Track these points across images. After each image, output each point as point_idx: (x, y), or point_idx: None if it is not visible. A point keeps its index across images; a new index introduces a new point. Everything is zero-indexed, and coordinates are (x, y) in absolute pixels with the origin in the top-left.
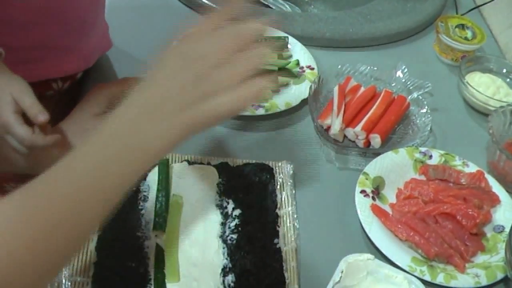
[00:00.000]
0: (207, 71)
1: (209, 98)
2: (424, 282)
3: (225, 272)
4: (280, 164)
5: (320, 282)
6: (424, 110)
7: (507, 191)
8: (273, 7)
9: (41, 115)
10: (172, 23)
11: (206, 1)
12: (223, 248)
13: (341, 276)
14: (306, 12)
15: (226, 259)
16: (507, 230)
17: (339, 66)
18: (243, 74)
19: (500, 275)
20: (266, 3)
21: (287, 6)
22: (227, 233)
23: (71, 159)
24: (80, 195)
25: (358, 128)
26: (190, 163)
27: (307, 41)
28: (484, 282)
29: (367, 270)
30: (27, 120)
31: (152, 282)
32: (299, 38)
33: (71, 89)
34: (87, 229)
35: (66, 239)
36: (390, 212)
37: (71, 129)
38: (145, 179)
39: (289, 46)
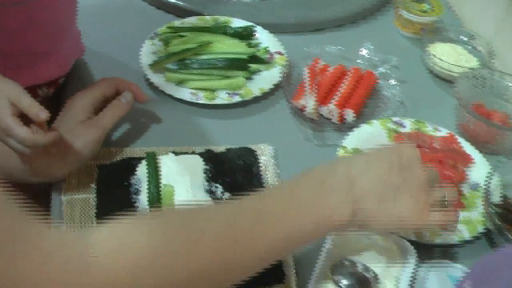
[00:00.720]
0: (406, 184)
1: (393, 204)
2: (410, 242)
3: None
4: (261, 146)
5: (313, 253)
6: (392, 82)
7: (479, 150)
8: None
9: (42, 112)
10: (139, 23)
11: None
12: None
13: (331, 244)
14: (267, 1)
15: None
16: (482, 185)
17: (307, 49)
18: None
19: (480, 228)
20: None
21: None
22: None
23: (235, 205)
24: (236, 244)
25: (332, 105)
26: (176, 154)
27: (273, 28)
28: (467, 236)
29: (356, 236)
30: (24, 122)
31: None
32: (265, 26)
33: (56, 95)
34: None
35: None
36: None
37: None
38: (135, 173)
39: (256, 34)
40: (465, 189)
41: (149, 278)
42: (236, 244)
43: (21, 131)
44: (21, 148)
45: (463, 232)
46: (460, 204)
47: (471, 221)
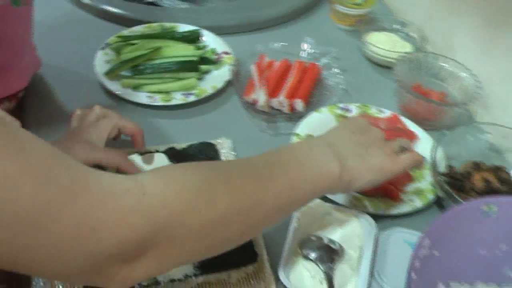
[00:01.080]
0: (371, 140)
1: (369, 158)
2: (369, 214)
3: None
4: (220, 140)
5: (280, 232)
6: (334, 72)
7: (421, 127)
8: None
9: (15, 122)
10: (88, 35)
11: (115, 10)
12: None
13: (298, 222)
14: (205, 6)
15: None
16: (428, 158)
17: (252, 47)
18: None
19: (431, 197)
20: (161, 4)
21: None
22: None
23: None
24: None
25: (281, 97)
26: (141, 154)
27: (218, 30)
28: (419, 205)
29: (320, 213)
30: None
31: None
32: (210, 29)
33: (17, 108)
34: (261, 222)
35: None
36: None
37: None
38: None
39: (203, 37)
40: None
41: (194, 211)
42: (260, 187)
43: None
44: None
45: (415, 202)
46: (409, 176)
47: (421, 191)
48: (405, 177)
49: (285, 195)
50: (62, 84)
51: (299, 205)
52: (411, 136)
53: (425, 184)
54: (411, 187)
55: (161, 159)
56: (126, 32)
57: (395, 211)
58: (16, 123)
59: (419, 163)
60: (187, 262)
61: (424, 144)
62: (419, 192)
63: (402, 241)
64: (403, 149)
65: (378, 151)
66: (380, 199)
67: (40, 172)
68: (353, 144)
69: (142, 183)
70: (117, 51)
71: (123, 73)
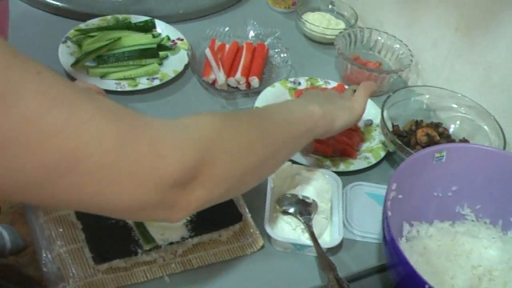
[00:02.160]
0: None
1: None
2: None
3: None
4: None
5: (257, 193)
6: (279, 50)
7: None
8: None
9: None
10: (45, 30)
11: (67, 6)
12: None
13: (273, 183)
14: None
15: None
16: (375, 121)
17: (202, 32)
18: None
19: (382, 153)
20: None
21: None
22: None
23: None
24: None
25: (238, 75)
26: None
27: (168, 19)
28: (373, 161)
29: (291, 174)
30: None
31: (134, 229)
32: (161, 18)
33: None
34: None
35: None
36: None
37: None
38: None
39: (156, 27)
40: (361, 125)
41: (229, 136)
42: (279, 129)
43: None
44: None
45: (370, 158)
46: (361, 137)
47: (373, 149)
48: (358, 138)
49: (282, 130)
50: None
51: (296, 141)
52: None
53: (375, 143)
54: (363, 146)
55: None
56: (83, 25)
57: (354, 167)
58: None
59: (374, 89)
60: (230, 190)
61: (370, 108)
62: (371, 150)
63: (363, 193)
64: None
65: (340, 99)
66: (339, 158)
67: (110, 113)
68: (324, 98)
69: (184, 121)
70: (78, 43)
71: (88, 63)
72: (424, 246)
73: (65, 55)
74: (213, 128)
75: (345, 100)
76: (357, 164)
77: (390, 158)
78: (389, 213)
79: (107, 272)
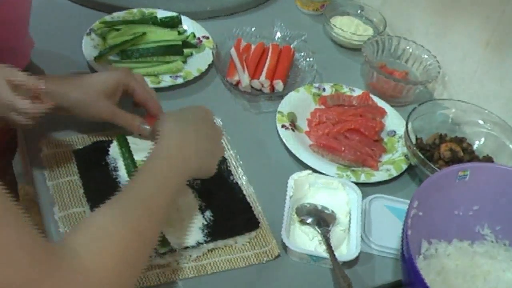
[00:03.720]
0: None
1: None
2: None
3: (202, 210)
4: None
5: (275, 201)
6: (305, 54)
7: (389, 104)
8: None
9: (41, 83)
10: (70, 21)
11: None
12: (193, 192)
13: (292, 191)
14: None
15: (199, 199)
16: (399, 132)
17: (228, 31)
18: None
19: (404, 166)
20: None
21: None
22: (191, 179)
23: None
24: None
25: (263, 77)
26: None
27: (195, 16)
28: (395, 173)
29: (309, 183)
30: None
31: None
32: (188, 15)
33: None
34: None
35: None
36: (308, 138)
37: None
38: (108, 153)
39: (183, 23)
40: (384, 136)
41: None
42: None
43: (25, 103)
44: (24, 121)
45: (391, 171)
46: (382, 148)
47: (394, 161)
48: (380, 149)
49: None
50: (53, 68)
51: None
52: (382, 112)
53: (397, 155)
54: (385, 157)
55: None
56: (108, 18)
57: (375, 179)
58: (42, 85)
59: None
60: None
61: (393, 119)
62: (393, 162)
63: (382, 206)
64: None
65: (219, 153)
66: (361, 169)
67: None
68: (201, 139)
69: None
70: (102, 36)
71: (111, 57)
72: (442, 265)
73: (89, 47)
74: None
75: (218, 154)
76: (378, 175)
77: (411, 172)
78: (409, 232)
79: None
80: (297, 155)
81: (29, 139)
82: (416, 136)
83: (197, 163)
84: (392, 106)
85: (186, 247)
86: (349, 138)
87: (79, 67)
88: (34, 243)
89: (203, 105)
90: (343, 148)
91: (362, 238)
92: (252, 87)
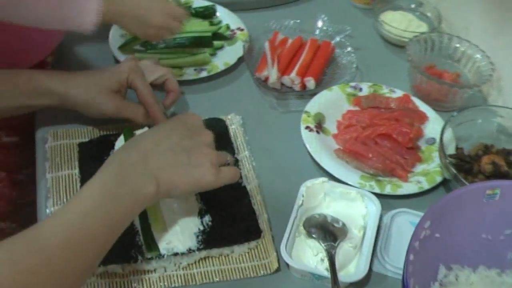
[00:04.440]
0: (197, 145)
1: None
2: (374, 194)
3: (201, 214)
4: (229, 116)
5: (285, 209)
6: (348, 50)
7: (433, 108)
8: None
9: None
10: None
11: None
12: (196, 194)
13: (302, 200)
14: None
15: (200, 203)
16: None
17: (266, 24)
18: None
19: (438, 179)
20: None
21: None
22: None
23: (64, 210)
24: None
25: (293, 74)
26: (150, 127)
27: (232, 6)
28: (426, 186)
29: (324, 192)
30: None
31: (140, 233)
32: (224, 5)
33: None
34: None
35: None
36: (334, 142)
37: None
38: (113, 148)
39: (217, 13)
40: (422, 144)
41: None
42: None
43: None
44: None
45: (422, 183)
46: (418, 157)
47: (429, 172)
48: (414, 157)
49: (102, 245)
50: (78, 57)
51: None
52: (422, 117)
53: (433, 166)
54: (419, 167)
55: None
56: None
57: (402, 191)
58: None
59: (235, 180)
60: None
61: (434, 125)
62: (426, 173)
63: (407, 222)
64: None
65: (201, 160)
66: (388, 179)
67: None
68: (174, 152)
69: None
70: None
71: (137, 47)
72: None
73: (116, 36)
74: None
75: (198, 163)
76: (406, 188)
77: (446, 185)
78: (412, 257)
79: (102, 276)
80: (317, 159)
81: (40, 128)
82: (456, 146)
83: (159, 181)
84: (437, 110)
85: (176, 253)
86: (379, 144)
87: (103, 57)
88: None
89: (190, 112)
90: (370, 155)
91: (377, 257)
92: (282, 84)
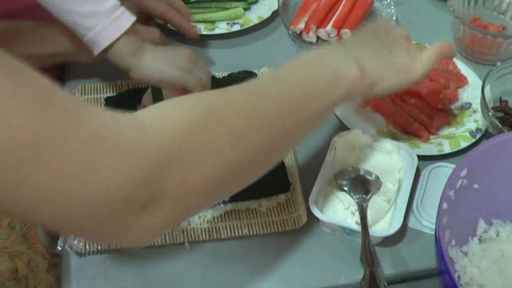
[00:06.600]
0: (395, 40)
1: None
2: None
3: None
4: (262, 70)
5: (317, 163)
6: (387, 2)
7: (476, 62)
8: None
9: None
10: None
11: None
12: None
13: (334, 152)
14: None
15: None
16: (474, 106)
17: None
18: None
19: (464, 144)
20: None
21: None
22: None
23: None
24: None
25: (329, 26)
26: None
27: None
28: (447, 150)
29: (358, 144)
30: None
31: None
32: None
33: None
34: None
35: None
36: None
37: None
38: (140, 102)
39: None
40: (456, 109)
41: (199, 140)
42: (269, 104)
43: None
44: None
45: (444, 146)
46: (446, 120)
47: (454, 136)
48: (443, 120)
49: (299, 109)
50: None
51: (319, 117)
52: (461, 80)
53: (461, 130)
54: (446, 131)
55: None
56: None
57: (418, 152)
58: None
59: (447, 50)
60: (207, 202)
61: (473, 89)
62: (451, 137)
63: (446, 176)
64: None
65: (402, 51)
66: (408, 140)
67: (33, 97)
68: (374, 43)
69: (142, 119)
70: None
71: None
72: (502, 252)
73: None
74: (181, 132)
75: (400, 54)
76: (424, 148)
77: None
78: (445, 206)
79: None
80: (337, 114)
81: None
82: (500, 98)
83: (364, 68)
84: (482, 64)
85: None
86: (407, 101)
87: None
88: None
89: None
90: (393, 111)
91: (413, 212)
92: (318, 37)
